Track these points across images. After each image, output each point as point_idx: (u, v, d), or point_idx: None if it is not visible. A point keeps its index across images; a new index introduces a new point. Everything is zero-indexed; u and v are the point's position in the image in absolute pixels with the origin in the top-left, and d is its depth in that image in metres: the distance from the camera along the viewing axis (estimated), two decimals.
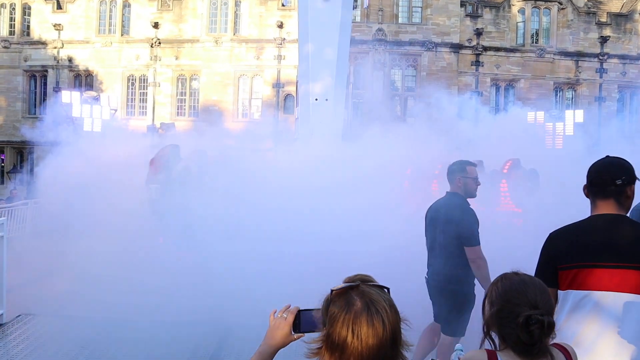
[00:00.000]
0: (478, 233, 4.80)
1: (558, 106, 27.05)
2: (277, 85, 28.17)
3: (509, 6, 28.81)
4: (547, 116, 20.66)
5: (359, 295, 1.57)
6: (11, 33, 29.43)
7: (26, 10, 29.60)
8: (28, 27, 29.57)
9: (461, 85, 27.80)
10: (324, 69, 13.08)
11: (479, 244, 4.75)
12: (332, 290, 1.60)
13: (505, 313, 1.96)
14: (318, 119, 12.72)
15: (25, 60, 29.33)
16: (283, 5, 28.72)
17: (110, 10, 29.23)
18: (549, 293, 2.03)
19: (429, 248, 5.14)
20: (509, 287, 2.00)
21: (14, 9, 29.43)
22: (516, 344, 1.95)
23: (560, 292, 2.79)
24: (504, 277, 2.06)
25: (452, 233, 4.82)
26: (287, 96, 27.93)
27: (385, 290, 1.62)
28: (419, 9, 28.57)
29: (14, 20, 29.43)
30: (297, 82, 16.22)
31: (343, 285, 1.60)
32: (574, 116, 20.93)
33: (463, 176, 5.02)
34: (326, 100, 12.96)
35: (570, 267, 2.75)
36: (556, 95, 28.90)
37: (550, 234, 2.90)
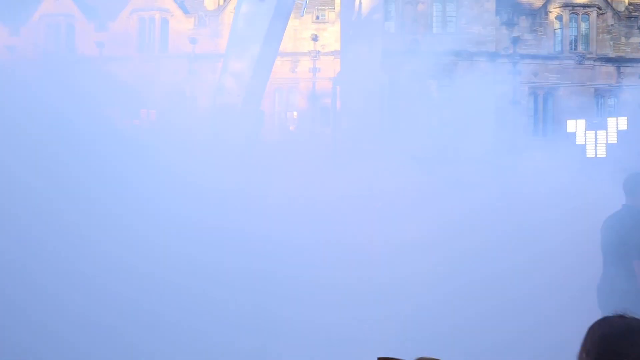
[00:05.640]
0: None
1: (600, 113, 26.44)
2: (313, 97, 28.33)
3: (546, 13, 28.38)
4: (589, 124, 20.21)
5: None
6: None
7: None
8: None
9: (498, 95, 27.44)
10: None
11: None
12: None
13: None
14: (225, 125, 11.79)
15: None
16: (317, 18, 28.94)
17: (149, 27, 30.08)
18: None
19: (607, 262, 5.12)
20: (609, 332, 1.63)
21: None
22: None
23: None
24: (602, 321, 1.68)
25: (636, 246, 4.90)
26: (322, 108, 28.05)
27: None
28: (454, 19, 28.40)
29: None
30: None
31: None
32: (617, 123, 20.42)
33: None
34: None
35: None
36: (597, 102, 28.26)
37: None
